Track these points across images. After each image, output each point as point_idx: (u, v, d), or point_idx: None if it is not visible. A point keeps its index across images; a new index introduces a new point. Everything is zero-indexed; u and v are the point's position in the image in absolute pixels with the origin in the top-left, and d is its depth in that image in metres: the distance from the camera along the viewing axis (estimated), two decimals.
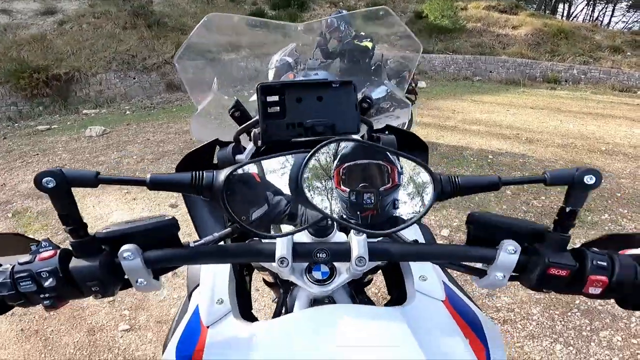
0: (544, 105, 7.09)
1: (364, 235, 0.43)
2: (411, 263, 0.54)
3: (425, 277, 0.52)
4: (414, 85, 4.20)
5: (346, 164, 0.42)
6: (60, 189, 0.36)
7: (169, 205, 3.12)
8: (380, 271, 0.67)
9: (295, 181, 0.41)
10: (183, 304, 0.56)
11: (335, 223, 0.48)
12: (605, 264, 0.39)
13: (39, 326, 1.96)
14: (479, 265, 0.44)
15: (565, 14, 23.97)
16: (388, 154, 0.43)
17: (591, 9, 24.39)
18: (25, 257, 0.39)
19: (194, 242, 0.45)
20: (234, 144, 0.60)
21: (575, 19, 19.64)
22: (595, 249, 0.41)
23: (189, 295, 0.57)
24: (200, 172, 0.40)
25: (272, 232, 0.44)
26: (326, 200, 0.41)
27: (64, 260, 0.39)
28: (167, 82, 8.79)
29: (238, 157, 0.58)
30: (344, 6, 12.51)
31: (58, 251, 0.39)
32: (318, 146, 0.41)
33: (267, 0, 12.33)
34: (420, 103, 6.51)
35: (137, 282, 0.40)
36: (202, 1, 11.50)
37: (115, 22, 9.62)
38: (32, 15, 9.67)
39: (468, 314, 0.49)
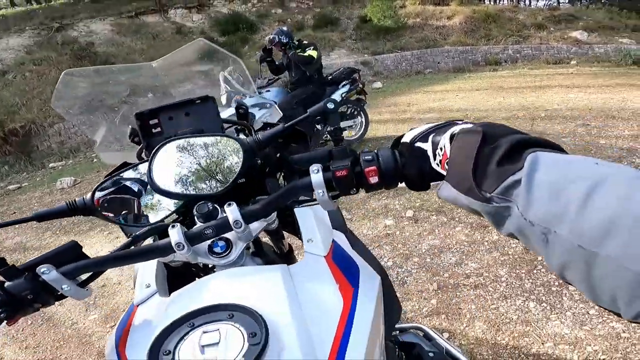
0: (488, 85, 7.68)
1: (234, 205, 0.52)
2: (301, 229, 0.63)
3: (312, 239, 0.61)
4: (361, 86, 4.45)
5: (179, 155, 0.57)
6: None
7: None
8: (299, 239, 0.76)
9: (151, 181, 0.54)
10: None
11: (218, 207, 0.56)
12: (370, 157, 0.49)
13: (53, 354, 2.08)
14: (309, 195, 0.56)
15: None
16: (200, 141, 0.58)
17: None
18: None
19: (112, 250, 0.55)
20: (139, 162, 0.69)
21: (500, 2, 20.88)
22: (367, 150, 0.52)
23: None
24: (73, 199, 0.55)
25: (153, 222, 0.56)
26: (181, 188, 0.55)
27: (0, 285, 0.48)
28: (132, 123, 8.72)
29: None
30: (292, 22, 12.87)
31: None
32: (154, 150, 0.55)
33: (215, 27, 12.47)
34: (378, 102, 6.91)
35: (62, 288, 0.48)
36: (147, 37, 11.51)
37: (59, 67, 9.39)
38: None
39: (349, 265, 0.57)
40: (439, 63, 11.15)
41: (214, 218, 0.55)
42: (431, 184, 0.49)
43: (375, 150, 0.51)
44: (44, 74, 9.21)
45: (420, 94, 7.56)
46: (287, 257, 0.85)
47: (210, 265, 0.66)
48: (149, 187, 0.58)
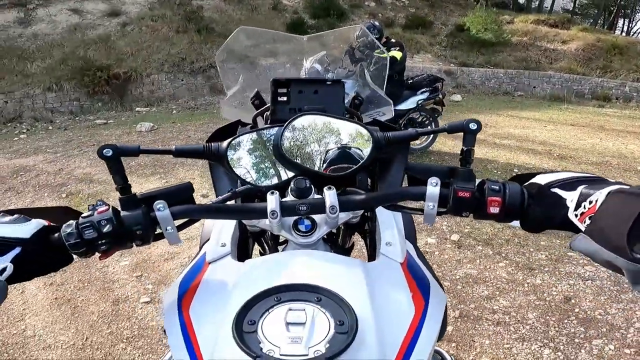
0: (586, 122, 6.78)
1: (334, 190, 0.54)
2: (381, 233, 0.64)
3: (391, 243, 0.62)
4: (441, 97, 4.24)
5: (304, 132, 0.59)
6: (115, 157, 0.49)
7: (201, 195, 3.43)
8: (362, 239, 0.80)
9: (277, 147, 0.56)
10: (195, 255, 0.67)
11: (312, 186, 0.59)
12: (498, 187, 0.51)
13: (72, 295, 2.21)
14: (420, 204, 0.57)
15: (624, 29, 22.27)
16: (331, 120, 0.61)
17: None
18: (87, 213, 0.50)
19: (211, 201, 0.59)
20: (251, 124, 0.77)
21: (636, 35, 18.33)
22: (494, 179, 0.53)
23: (200, 247, 0.69)
24: (209, 143, 0.56)
25: (262, 185, 0.57)
26: (300, 161, 0.57)
27: (116, 212, 0.50)
28: (210, 85, 9.37)
29: None
30: (383, 17, 12.61)
31: (110, 206, 0.51)
32: (292, 118, 0.57)
33: (308, 9, 12.71)
34: (452, 116, 6.49)
35: (166, 229, 0.51)
36: (247, 9, 12.14)
37: (170, 26, 10.39)
38: (100, 16, 10.59)
39: (421, 277, 0.58)
40: (534, 87, 10.11)
41: (305, 196, 0.57)
42: (548, 230, 0.49)
43: (503, 182, 0.52)
44: (156, 30, 10.27)
45: (502, 117, 6.95)
46: (348, 252, 0.86)
47: (280, 240, 0.70)
48: (270, 150, 0.59)
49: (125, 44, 9.60)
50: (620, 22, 22.08)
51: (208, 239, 0.68)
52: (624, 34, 19.78)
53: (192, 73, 9.28)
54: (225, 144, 0.55)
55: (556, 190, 0.48)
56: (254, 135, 0.59)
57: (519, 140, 5.31)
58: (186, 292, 0.54)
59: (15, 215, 0.49)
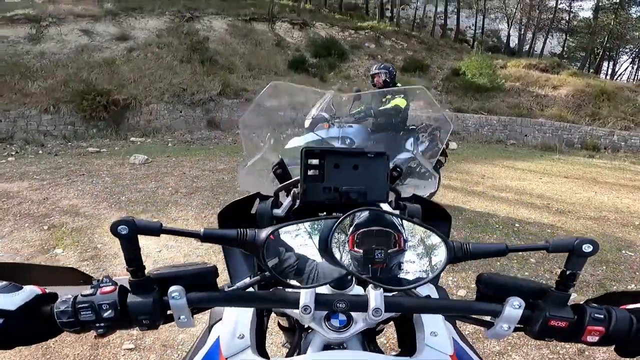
0: (580, 174, 6.89)
1: (381, 289, 0.47)
2: (423, 319, 0.57)
3: (436, 332, 0.55)
4: (445, 147, 4.24)
5: (361, 230, 0.49)
6: (131, 236, 0.42)
7: (209, 226, 3.26)
8: (392, 323, 0.71)
9: (325, 242, 0.47)
10: (202, 335, 0.60)
11: (354, 278, 0.52)
12: (602, 316, 0.45)
13: None
14: (487, 318, 0.50)
15: (609, 72, 23.51)
16: (396, 223, 0.49)
17: (637, 66, 23.80)
18: (88, 290, 0.44)
19: (228, 286, 0.52)
20: (273, 198, 0.67)
21: (619, 77, 19.42)
22: (595, 304, 0.47)
23: (210, 328, 0.61)
24: (244, 229, 0.47)
25: (299, 283, 0.49)
26: (347, 258, 0.48)
27: (123, 295, 0.44)
28: (208, 119, 9.38)
29: (275, 211, 0.64)
30: (382, 59, 13.07)
31: (117, 287, 0.45)
32: (348, 213, 0.48)
33: (310, 47, 13.12)
34: (449, 165, 6.53)
35: (179, 318, 0.46)
36: (251, 43, 12.50)
37: (175, 55, 10.58)
38: (109, 39, 10.77)
39: None
40: (526, 136, 10.36)
41: (345, 287, 0.52)
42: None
43: (607, 308, 0.46)
44: (161, 58, 10.45)
45: (498, 167, 7.03)
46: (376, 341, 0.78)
47: (306, 326, 0.60)
48: (313, 244, 0.51)
49: (129, 70, 9.69)
50: (605, 63, 23.30)
51: (219, 319, 0.60)
52: (608, 77, 20.90)
53: (192, 105, 9.33)
54: (264, 234, 0.46)
55: None
56: (297, 226, 0.50)
57: (517, 193, 5.32)
58: None
59: (5, 283, 0.45)
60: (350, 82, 11.66)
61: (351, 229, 0.48)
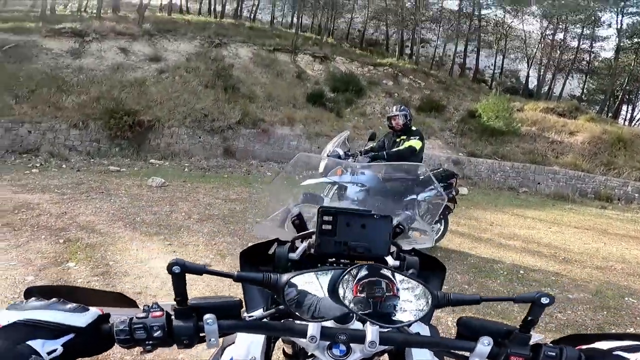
0: (590, 225, 6.80)
1: (377, 326, 0.56)
2: (413, 353, 0.66)
3: None
4: (454, 193, 4.26)
5: (363, 280, 0.60)
6: (181, 274, 0.52)
7: (217, 253, 3.35)
8: (386, 356, 0.79)
9: (333, 287, 0.57)
10: (215, 356, 0.70)
11: (355, 315, 0.60)
12: (554, 354, 0.54)
13: None
14: (466, 353, 0.59)
15: (628, 116, 23.02)
16: (390, 276, 0.60)
17: None
18: (141, 314, 0.54)
19: (248, 315, 0.64)
20: (289, 244, 0.78)
21: (638, 123, 19.10)
22: (550, 344, 0.56)
23: (222, 350, 0.71)
24: (269, 274, 0.57)
25: (309, 318, 0.59)
26: (351, 300, 0.58)
27: (169, 319, 0.54)
28: (225, 147, 9.63)
29: (291, 255, 0.76)
30: (399, 97, 13.36)
31: (164, 312, 0.54)
32: (352, 267, 0.59)
33: (329, 82, 13.50)
34: (458, 211, 6.55)
35: (210, 340, 0.54)
36: (273, 73, 12.99)
37: (200, 79, 11.03)
38: (142, 59, 11.32)
39: None
40: (539, 184, 10.29)
41: (346, 322, 0.60)
42: None
43: (560, 347, 0.55)
44: (187, 82, 10.93)
45: (507, 215, 6.99)
46: None
47: (309, 353, 0.70)
48: (323, 289, 0.60)
49: (157, 91, 10.16)
50: (625, 107, 22.78)
51: (232, 343, 0.69)
52: (627, 122, 20.48)
53: (211, 132, 9.63)
54: (284, 279, 0.57)
55: (620, 353, 0.51)
56: (311, 273, 0.61)
57: (525, 241, 5.28)
58: None
59: (75, 305, 0.53)
60: (366, 120, 11.91)
61: (356, 279, 0.59)
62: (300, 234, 0.81)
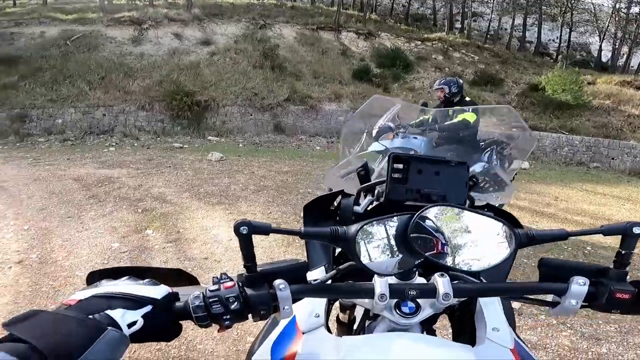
0: None
1: (447, 277, 0.52)
2: (485, 315, 0.60)
3: (498, 328, 0.58)
4: (507, 165, 4.06)
5: (436, 224, 0.56)
6: (248, 236, 0.48)
7: (273, 221, 3.57)
8: (446, 316, 0.75)
9: (404, 234, 0.54)
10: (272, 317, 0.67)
11: (417, 270, 0.58)
12: None
13: None
14: (548, 298, 0.55)
15: None
16: (468, 217, 0.57)
17: None
18: (212, 286, 0.48)
19: (313, 280, 0.59)
20: (354, 196, 0.74)
21: None
22: None
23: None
24: (335, 227, 0.53)
25: (378, 272, 0.54)
26: (423, 249, 0.54)
27: (242, 289, 0.49)
28: (275, 124, 9.92)
29: (356, 207, 0.71)
30: (449, 72, 12.65)
31: (236, 282, 0.50)
32: (424, 209, 0.54)
33: (374, 58, 13.14)
34: (518, 185, 6.19)
35: (284, 309, 0.50)
36: (317, 52, 12.92)
37: (249, 60, 11.35)
38: (195, 43, 11.86)
39: None
40: (612, 159, 9.32)
41: (409, 278, 0.57)
42: None
43: None
44: (237, 63, 11.30)
45: (574, 191, 6.47)
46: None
47: (371, 314, 0.67)
48: (392, 236, 0.56)
49: (210, 73, 10.63)
50: None
51: None
52: None
53: (261, 109, 9.95)
54: (353, 229, 0.52)
55: None
56: (381, 221, 0.56)
57: (593, 217, 4.89)
58: None
59: (148, 280, 0.51)
60: (415, 94, 11.51)
61: (427, 223, 0.55)
62: (366, 184, 0.77)
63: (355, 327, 0.77)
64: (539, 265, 0.56)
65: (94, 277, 0.53)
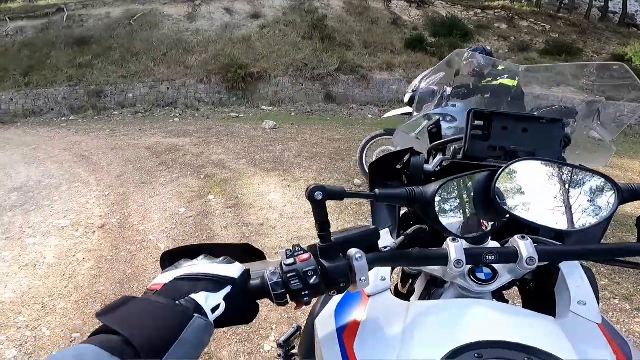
0: None
1: (529, 239, 0.47)
2: (570, 287, 0.54)
3: (585, 302, 0.52)
4: (569, 132, 3.76)
5: (523, 180, 0.51)
6: (323, 201, 0.43)
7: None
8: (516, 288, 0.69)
9: (485, 191, 0.49)
10: None
11: (489, 235, 0.53)
12: None
13: None
14: None
15: None
16: (561, 172, 0.52)
17: None
18: (288, 260, 0.44)
19: (383, 247, 0.53)
20: (424, 154, 0.70)
21: None
22: None
23: None
24: (412, 188, 0.49)
25: (456, 234, 0.49)
26: (508, 207, 0.48)
27: (319, 261, 0.45)
28: (326, 93, 9.97)
29: (426, 166, 0.67)
30: (516, 41, 11.60)
31: (311, 254, 0.45)
32: (512, 162, 0.49)
33: (428, 26, 12.41)
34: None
35: (360, 280, 0.44)
36: (367, 21, 12.49)
37: (298, 32, 11.36)
38: (245, 17, 12.05)
39: (621, 340, 0.50)
40: None
41: (482, 242, 0.52)
42: None
43: None
44: (287, 35, 11.37)
45: None
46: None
47: (438, 281, 0.62)
48: (471, 195, 0.52)
49: (261, 45, 10.83)
50: None
51: None
52: None
53: (312, 79, 10.01)
54: (431, 189, 0.48)
55: None
56: (461, 178, 0.52)
57: None
58: (347, 325, 0.50)
59: (222, 258, 0.47)
60: None
61: (514, 179, 0.50)
62: (438, 141, 0.74)
63: (415, 297, 0.72)
64: (637, 223, 0.51)
65: (165, 259, 0.50)
